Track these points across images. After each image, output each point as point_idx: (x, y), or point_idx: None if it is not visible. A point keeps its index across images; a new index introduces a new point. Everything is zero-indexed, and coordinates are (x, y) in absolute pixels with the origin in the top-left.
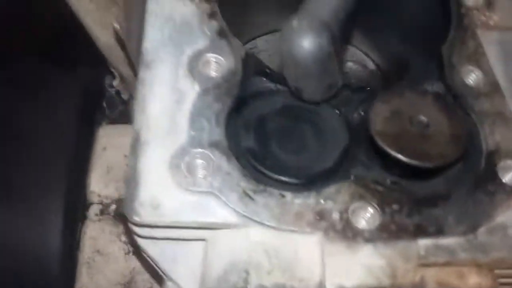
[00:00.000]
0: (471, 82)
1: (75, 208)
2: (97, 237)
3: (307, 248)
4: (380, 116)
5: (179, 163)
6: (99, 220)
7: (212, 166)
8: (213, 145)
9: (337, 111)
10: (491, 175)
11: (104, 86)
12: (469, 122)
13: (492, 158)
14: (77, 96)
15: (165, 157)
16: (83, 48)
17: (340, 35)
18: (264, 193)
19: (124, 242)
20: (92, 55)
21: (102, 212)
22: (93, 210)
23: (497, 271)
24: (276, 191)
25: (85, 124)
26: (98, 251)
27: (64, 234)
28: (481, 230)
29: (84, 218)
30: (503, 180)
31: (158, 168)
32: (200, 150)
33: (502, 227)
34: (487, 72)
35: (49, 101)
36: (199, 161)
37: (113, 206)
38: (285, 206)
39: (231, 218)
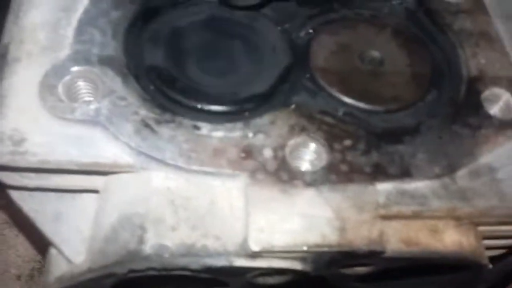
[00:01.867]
0: None
1: None
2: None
3: (227, 196)
4: (323, 50)
5: (55, 84)
6: None
7: (101, 88)
8: (105, 61)
9: (279, 27)
10: (474, 105)
11: None
12: (445, 43)
13: (475, 85)
14: None
15: (38, 79)
16: None
17: None
18: (171, 123)
19: None
20: None
21: None
22: None
23: (481, 229)
24: (188, 122)
25: None
26: (7, 223)
27: None
28: (461, 173)
29: None
30: (490, 112)
31: (26, 92)
32: (85, 67)
33: (488, 169)
34: None
35: None
36: (83, 82)
37: None
38: (199, 141)
39: (124, 156)
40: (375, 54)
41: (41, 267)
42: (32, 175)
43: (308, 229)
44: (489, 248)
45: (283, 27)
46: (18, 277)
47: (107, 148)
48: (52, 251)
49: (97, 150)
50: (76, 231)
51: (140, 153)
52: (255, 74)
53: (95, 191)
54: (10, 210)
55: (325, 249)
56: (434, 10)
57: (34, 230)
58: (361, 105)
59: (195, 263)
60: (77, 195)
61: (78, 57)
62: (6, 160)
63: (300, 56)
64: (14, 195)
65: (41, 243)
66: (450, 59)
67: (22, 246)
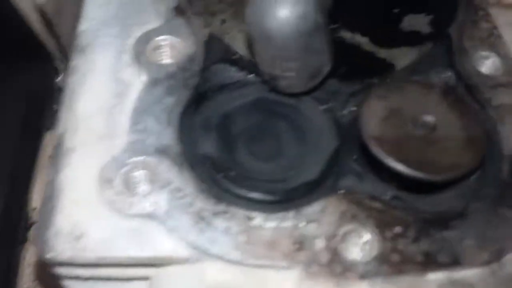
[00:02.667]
0: (487, 70)
1: (14, 229)
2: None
3: None
4: (374, 116)
5: (112, 177)
6: None
7: (158, 179)
8: (161, 151)
9: (322, 106)
10: None
11: (52, 85)
12: (486, 119)
13: None
14: (19, 97)
15: (95, 170)
16: (21, 38)
17: (331, 2)
18: (225, 215)
19: None
20: (34, 46)
21: None
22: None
23: None
24: (242, 212)
25: (29, 131)
26: (39, 280)
27: None
28: (509, 257)
29: (24, 240)
30: None
31: (84, 184)
32: (142, 158)
33: None
34: (505, 57)
35: None
36: (140, 173)
37: None
38: (253, 232)
39: (180, 250)
40: (428, 118)
41: None
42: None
43: None
44: None
45: (327, 106)
46: None
47: (164, 243)
48: None
49: (154, 244)
50: None
51: (196, 246)
52: (303, 158)
53: (145, 279)
54: None
55: None
56: (473, 84)
57: None
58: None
59: None
60: (127, 282)
61: (135, 148)
62: (66, 256)
63: (345, 136)
64: (67, 283)
65: None
66: (491, 136)
67: None
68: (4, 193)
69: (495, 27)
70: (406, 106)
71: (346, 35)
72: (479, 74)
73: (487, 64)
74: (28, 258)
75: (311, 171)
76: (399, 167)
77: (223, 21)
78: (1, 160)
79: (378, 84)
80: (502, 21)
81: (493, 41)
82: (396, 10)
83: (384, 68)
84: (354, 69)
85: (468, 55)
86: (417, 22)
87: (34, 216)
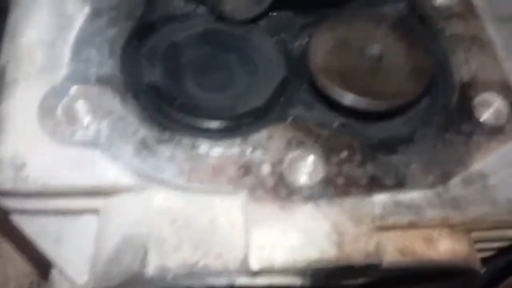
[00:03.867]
0: (441, 1)
1: None
2: None
3: (227, 213)
4: (322, 47)
5: (54, 106)
6: None
7: (100, 108)
8: (103, 80)
9: (273, 38)
10: (466, 112)
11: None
12: (438, 49)
13: (467, 91)
14: None
15: (37, 100)
16: None
17: None
18: (170, 142)
19: None
20: None
21: None
22: None
23: (474, 234)
24: (187, 140)
25: None
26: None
27: None
28: (454, 181)
29: None
30: (481, 119)
31: (25, 115)
32: (83, 87)
33: (480, 175)
34: None
35: None
36: (82, 102)
37: None
38: (198, 159)
39: (124, 177)
40: (375, 49)
41: (39, 280)
42: (31, 199)
43: (307, 245)
44: (482, 250)
45: (278, 38)
46: None
47: (107, 170)
48: (54, 272)
49: (97, 172)
50: (78, 252)
51: (141, 173)
52: (251, 87)
53: (94, 211)
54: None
55: (324, 264)
56: (426, 15)
57: (33, 249)
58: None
59: (198, 283)
60: (78, 216)
61: (77, 77)
62: (8, 186)
63: (296, 67)
64: (15, 218)
65: (38, 261)
66: (442, 64)
67: (21, 260)
68: None
69: None
70: (354, 38)
71: None
72: (433, 4)
73: None
74: None
75: (258, 99)
76: (343, 97)
77: None
78: None
79: (330, 16)
80: None
81: None
82: None
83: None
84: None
85: None
86: None
87: None
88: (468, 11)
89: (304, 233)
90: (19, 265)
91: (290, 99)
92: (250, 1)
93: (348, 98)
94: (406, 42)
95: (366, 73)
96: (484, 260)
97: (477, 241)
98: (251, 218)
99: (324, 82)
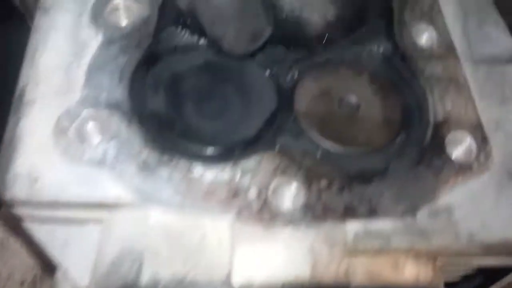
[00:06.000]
0: (423, 43)
1: None
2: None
3: (216, 232)
4: (307, 94)
5: (67, 127)
6: None
7: (109, 131)
8: (113, 105)
9: (266, 71)
10: (438, 148)
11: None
12: (416, 88)
13: (440, 129)
14: None
15: (52, 120)
16: None
17: None
18: (169, 164)
19: None
20: (8, 8)
21: None
22: None
23: (440, 261)
24: (184, 163)
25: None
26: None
27: None
28: (422, 212)
29: None
30: (451, 155)
31: (41, 133)
32: (94, 111)
33: (446, 208)
34: (442, 31)
35: None
36: (92, 125)
37: None
38: (193, 181)
39: (126, 194)
40: (353, 99)
41: (43, 274)
42: (43, 208)
43: (285, 265)
44: (449, 275)
45: (272, 71)
46: (22, 283)
47: (111, 188)
48: (59, 274)
49: (102, 189)
50: (82, 257)
51: (141, 192)
52: (245, 117)
53: (99, 222)
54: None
55: (298, 284)
56: (408, 55)
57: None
58: (336, 148)
59: None
60: (84, 224)
61: (88, 101)
62: (23, 196)
63: (286, 99)
64: (27, 224)
65: (42, 258)
66: (420, 103)
67: (26, 254)
68: None
69: (435, 1)
70: (335, 87)
71: None
72: (416, 45)
73: (424, 37)
74: None
75: (250, 129)
76: (320, 141)
77: None
78: None
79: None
80: None
81: (432, 15)
82: None
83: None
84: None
85: (407, 27)
86: None
87: None
88: (448, 53)
89: (283, 254)
90: (24, 259)
91: (279, 128)
92: (247, 38)
93: (324, 143)
94: (381, 94)
95: (343, 121)
96: (450, 285)
97: (443, 267)
98: (237, 238)
99: (305, 126)
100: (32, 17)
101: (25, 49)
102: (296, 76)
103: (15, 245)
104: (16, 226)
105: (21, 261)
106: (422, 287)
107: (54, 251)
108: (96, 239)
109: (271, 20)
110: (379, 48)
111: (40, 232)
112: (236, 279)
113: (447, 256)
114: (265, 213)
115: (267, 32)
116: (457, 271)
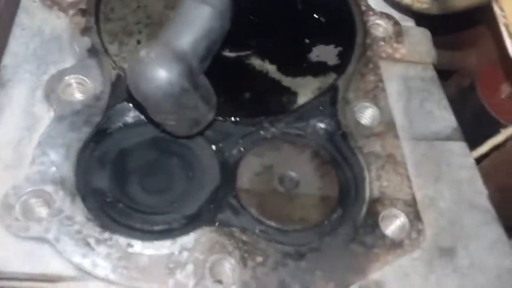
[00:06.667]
0: (365, 120)
1: None
2: None
3: None
4: (248, 171)
5: (13, 204)
6: None
7: (53, 208)
8: (58, 182)
9: (214, 146)
10: (371, 225)
11: None
12: (355, 166)
13: (375, 206)
14: None
15: None
16: None
17: (200, 67)
18: (108, 242)
19: None
20: None
21: None
22: None
23: None
24: (124, 240)
25: None
26: None
27: None
28: None
29: None
30: (384, 232)
31: None
32: (40, 188)
33: (376, 285)
34: (384, 109)
35: None
36: (37, 201)
37: None
38: (132, 257)
39: (67, 270)
40: (293, 176)
41: None
42: None
43: None
44: None
45: (218, 146)
46: None
47: (53, 263)
48: None
49: (45, 264)
50: None
51: (81, 268)
52: (187, 193)
53: None
54: None
55: None
56: (349, 133)
57: None
58: (273, 225)
59: None
60: None
61: (35, 178)
62: None
63: (230, 175)
64: None
65: None
66: (357, 180)
67: None
68: None
69: (380, 80)
70: (277, 164)
71: (257, 62)
72: (357, 123)
73: (366, 115)
74: None
75: (191, 206)
76: (258, 218)
77: (138, 42)
78: None
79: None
80: (389, 74)
81: (375, 94)
82: (307, 40)
83: (286, 99)
84: (251, 106)
85: (350, 105)
86: (326, 53)
87: None
88: (388, 131)
89: None
90: None
91: (219, 204)
92: (188, 124)
93: (263, 220)
94: (321, 170)
95: (282, 198)
96: None
97: None
98: None
99: (245, 203)
100: None
101: None
102: (242, 150)
103: None
104: None
105: None
106: None
107: None
108: None
109: (212, 109)
110: (322, 124)
111: None
112: None
113: None
114: None
115: (209, 117)
116: None
